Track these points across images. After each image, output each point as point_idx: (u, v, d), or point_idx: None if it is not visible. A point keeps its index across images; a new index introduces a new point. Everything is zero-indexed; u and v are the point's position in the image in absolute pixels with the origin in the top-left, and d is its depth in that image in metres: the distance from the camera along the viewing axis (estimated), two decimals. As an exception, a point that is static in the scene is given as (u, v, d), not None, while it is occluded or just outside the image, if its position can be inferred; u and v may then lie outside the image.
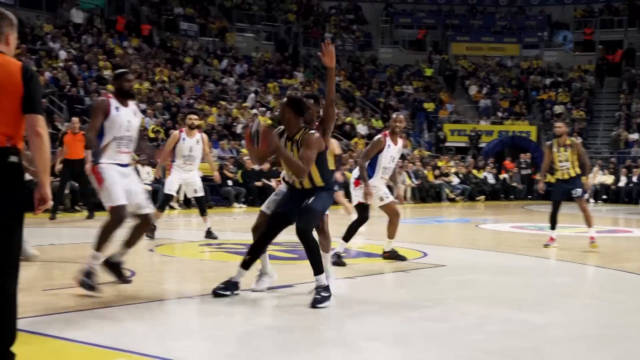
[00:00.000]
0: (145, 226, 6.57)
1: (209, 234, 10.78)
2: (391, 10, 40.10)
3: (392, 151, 8.57)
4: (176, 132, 10.78)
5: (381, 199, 8.63)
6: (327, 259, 6.38)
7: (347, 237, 8.47)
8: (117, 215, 6.19)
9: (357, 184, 8.56)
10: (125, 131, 6.38)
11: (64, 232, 12.44)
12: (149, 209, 6.50)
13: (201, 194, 10.80)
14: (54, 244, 10.04)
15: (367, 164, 8.49)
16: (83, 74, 23.92)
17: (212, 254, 9.54)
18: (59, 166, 14.28)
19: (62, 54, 24.95)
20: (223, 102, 26.65)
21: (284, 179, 6.49)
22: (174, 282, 7.43)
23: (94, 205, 14.14)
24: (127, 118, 6.41)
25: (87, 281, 5.99)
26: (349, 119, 29.26)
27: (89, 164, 6.58)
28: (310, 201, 5.99)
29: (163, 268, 8.26)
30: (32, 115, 3.79)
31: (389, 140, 8.56)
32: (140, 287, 6.46)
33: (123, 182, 6.31)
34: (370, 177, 8.46)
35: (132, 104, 6.52)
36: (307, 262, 6.00)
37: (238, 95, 28.42)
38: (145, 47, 29.49)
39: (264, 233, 6.18)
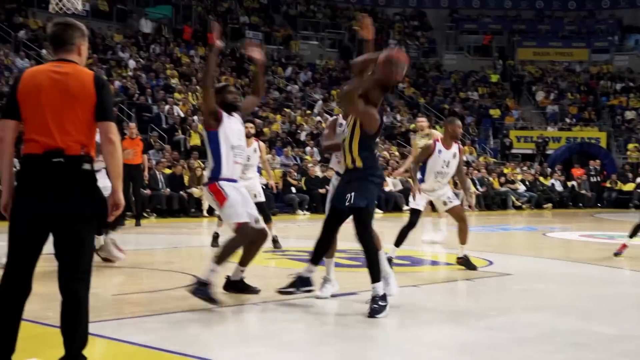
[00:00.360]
0: (262, 241, 6.53)
1: (275, 243, 10.58)
2: (456, 16, 39.76)
3: (444, 155, 8.47)
4: None
5: (444, 203, 8.57)
6: (381, 258, 6.29)
7: (398, 242, 8.46)
8: (244, 232, 6.13)
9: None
10: (237, 140, 6.32)
11: (130, 239, 12.69)
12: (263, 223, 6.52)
13: (261, 199, 10.27)
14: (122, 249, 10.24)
15: (418, 167, 8.59)
16: (151, 83, 24.42)
17: (276, 261, 9.60)
18: None
19: (131, 63, 25.54)
20: (287, 110, 26.85)
21: (333, 169, 6.53)
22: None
23: (141, 211, 14.26)
24: (237, 127, 6.37)
25: (205, 291, 5.92)
26: (412, 125, 29.07)
27: (205, 184, 6.36)
28: (352, 199, 5.87)
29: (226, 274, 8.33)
30: (105, 122, 3.86)
31: (439, 145, 8.50)
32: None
33: (240, 199, 6.24)
34: (422, 181, 8.51)
35: (237, 115, 6.51)
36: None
37: (302, 102, 28.58)
38: (211, 56, 29.93)
39: (324, 226, 6.18)
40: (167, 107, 22.44)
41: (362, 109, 5.87)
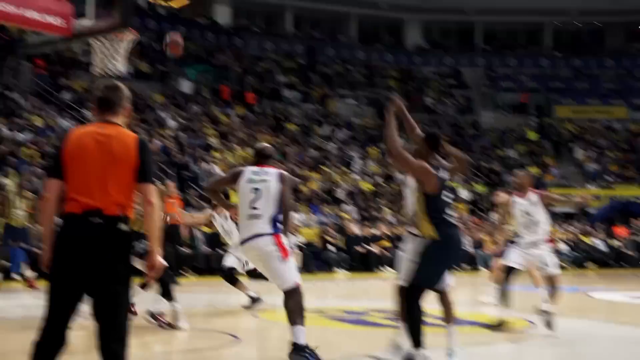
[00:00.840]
0: None
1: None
2: (493, 75, 39.87)
3: (521, 205, 8.46)
4: None
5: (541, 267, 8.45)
6: (451, 331, 6.05)
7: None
8: (300, 289, 6.06)
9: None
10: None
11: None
12: None
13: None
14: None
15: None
16: (190, 142, 24.76)
17: (314, 320, 9.49)
18: None
19: (172, 123, 25.97)
20: (324, 168, 26.95)
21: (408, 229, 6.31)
22: (278, 347, 7.39)
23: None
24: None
25: (307, 354, 5.78)
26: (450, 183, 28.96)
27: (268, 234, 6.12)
28: (418, 265, 5.63)
29: (266, 334, 8.27)
30: (145, 184, 3.93)
31: (515, 197, 8.57)
32: (244, 352, 6.47)
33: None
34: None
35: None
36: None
37: (339, 160, 28.67)
38: (249, 115, 30.35)
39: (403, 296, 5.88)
40: (206, 165, 22.69)
41: (413, 165, 5.67)
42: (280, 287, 6.04)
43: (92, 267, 3.78)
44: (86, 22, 8.50)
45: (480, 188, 29.93)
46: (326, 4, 38.66)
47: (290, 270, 6.02)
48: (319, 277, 18.04)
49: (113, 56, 8.77)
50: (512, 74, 39.96)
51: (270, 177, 6.14)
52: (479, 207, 27.67)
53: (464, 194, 28.69)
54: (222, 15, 37.60)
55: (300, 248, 19.35)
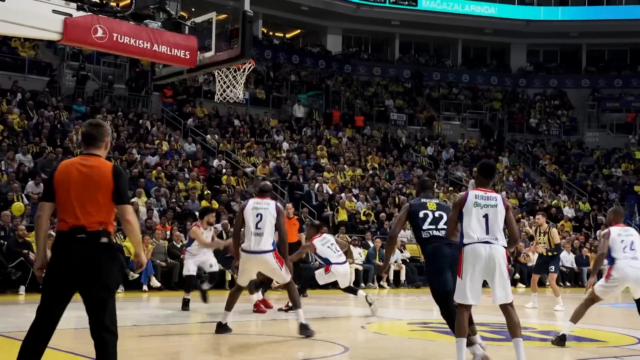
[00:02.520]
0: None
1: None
2: (598, 95, 38.55)
3: (622, 236, 8.09)
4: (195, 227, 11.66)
5: None
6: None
7: (574, 319, 8.12)
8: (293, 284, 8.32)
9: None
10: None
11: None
12: None
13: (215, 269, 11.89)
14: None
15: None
16: (302, 163, 25.19)
17: (420, 333, 9.46)
18: None
19: (285, 145, 26.51)
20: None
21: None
22: (386, 358, 7.42)
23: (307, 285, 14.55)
24: None
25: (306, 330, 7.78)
26: (554, 201, 28.15)
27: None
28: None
29: (375, 345, 8.32)
30: (122, 206, 4.54)
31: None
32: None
33: None
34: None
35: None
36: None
37: (444, 180, 28.42)
38: (358, 137, 30.57)
39: None
40: (316, 185, 23.02)
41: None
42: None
43: (79, 272, 4.40)
44: (209, 54, 8.90)
45: (584, 206, 28.91)
46: (432, 31, 38.57)
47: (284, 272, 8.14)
48: (424, 291, 17.89)
49: (233, 84, 9.12)
50: (617, 94, 38.50)
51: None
52: (584, 225, 26.73)
53: (568, 211, 27.79)
54: (333, 43, 38.15)
55: (405, 263, 19.29)
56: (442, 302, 6.47)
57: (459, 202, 6.12)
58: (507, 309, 5.95)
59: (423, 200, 6.88)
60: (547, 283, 18.26)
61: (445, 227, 6.50)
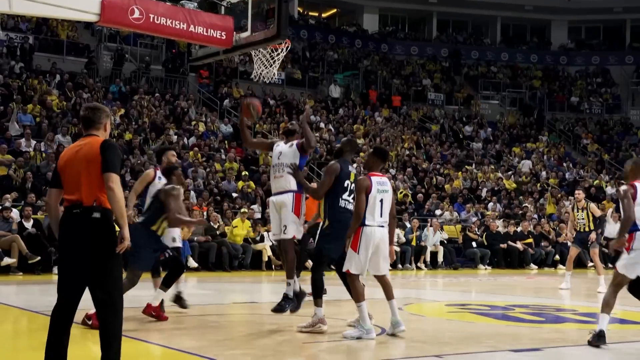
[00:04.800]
0: None
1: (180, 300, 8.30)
2: (642, 72, 37.74)
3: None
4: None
5: None
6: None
7: (607, 309, 6.74)
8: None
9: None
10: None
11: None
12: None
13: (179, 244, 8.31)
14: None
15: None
16: (339, 143, 25.13)
17: (458, 314, 9.42)
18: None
19: (321, 126, 26.48)
20: (468, 167, 26.54)
21: None
22: (424, 340, 7.40)
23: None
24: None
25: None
26: (596, 181, 27.70)
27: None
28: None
29: (412, 327, 8.29)
30: (106, 173, 4.56)
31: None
32: (390, 342, 6.55)
33: None
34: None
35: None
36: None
37: (483, 159, 28.12)
38: (395, 117, 30.40)
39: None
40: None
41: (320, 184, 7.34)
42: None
43: (78, 245, 4.54)
44: (245, 35, 8.88)
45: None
46: (471, 9, 38.05)
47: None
48: (462, 272, 17.83)
49: (269, 64, 9.10)
50: (662, 70, 37.65)
51: None
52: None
53: (611, 191, 27.33)
54: (369, 22, 37.90)
55: (443, 244, 19.20)
56: (320, 266, 7.20)
57: (365, 187, 6.70)
58: (384, 278, 6.98)
59: (349, 168, 7.16)
60: (588, 263, 18.08)
61: (352, 200, 7.00)
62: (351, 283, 6.79)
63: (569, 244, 14.67)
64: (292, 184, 7.34)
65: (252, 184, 19.56)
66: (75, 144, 4.87)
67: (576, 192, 13.89)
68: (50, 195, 4.88)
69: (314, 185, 8.07)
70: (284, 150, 7.51)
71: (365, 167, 7.07)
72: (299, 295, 7.53)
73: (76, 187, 4.63)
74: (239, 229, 16.27)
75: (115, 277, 4.64)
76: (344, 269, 6.83)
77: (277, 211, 7.41)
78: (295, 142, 7.53)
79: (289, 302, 7.43)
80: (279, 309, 7.39)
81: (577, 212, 13.35)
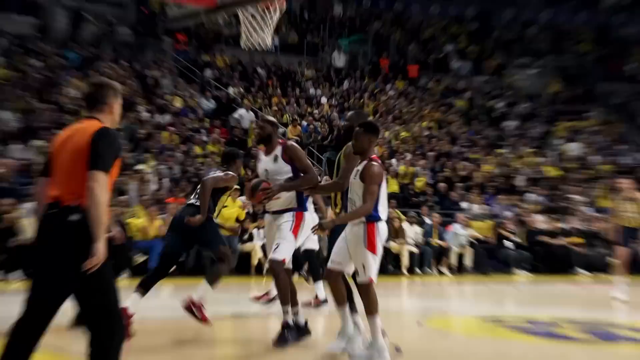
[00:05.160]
0: None
1: None
2: None
3: None
4: None
5: None
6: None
7: None
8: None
9: None
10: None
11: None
12: None
13: None
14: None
15: None
16: (344, 122, 25.09)
17: (491, 330, 9.40)
18: None
19: (323, 101, 26.45)
20: (501, 150, 26.51)
21: None
22: (441, 357, 7.39)
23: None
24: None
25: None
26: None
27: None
28: None
29: (433, 346, 8.26)
30: (90, 171, 4.43)
31: None
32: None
33: None
34: None
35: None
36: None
37: (519, 141, 28.10)
38: (411, 90, 30.36)
39: None
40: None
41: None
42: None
43: (52, 252, 4.42)
44: (231, -9, 8.83)
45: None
46: (504, -42, 38.03)
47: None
48: (495, 279, 17.82)
49: (261, 28, 9.05)
50: None
51: None
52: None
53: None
54: (380, -24, 37.83)
55: (471, 244, 19.17)
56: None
57: (381, 177, 6.57)
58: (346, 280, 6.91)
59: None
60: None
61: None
62: (369, 292, 6.58)
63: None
64: (292, 201, 7.36)
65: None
66: (72, 127, 4.79)
67: (619, 181, 13.94)
68: (40, 185, 4.79)
69: (326, 178, 7.74)
70: (270, 168, 7.48)
71: (359, 150, 6.63)
72: (301, 331, 7.49)
73: (60, 180, 4.58)
74: (230, 209, 15.52)
75: (106, 284, 4.53)
76: (367, 277, 6.50)
77: (274, 230, 7.42)
78: (277, 152, 7.46)
79: (291, 331, 7.38)
80: (282, 340, 7.27)
81: (626, 203, 13.37)
